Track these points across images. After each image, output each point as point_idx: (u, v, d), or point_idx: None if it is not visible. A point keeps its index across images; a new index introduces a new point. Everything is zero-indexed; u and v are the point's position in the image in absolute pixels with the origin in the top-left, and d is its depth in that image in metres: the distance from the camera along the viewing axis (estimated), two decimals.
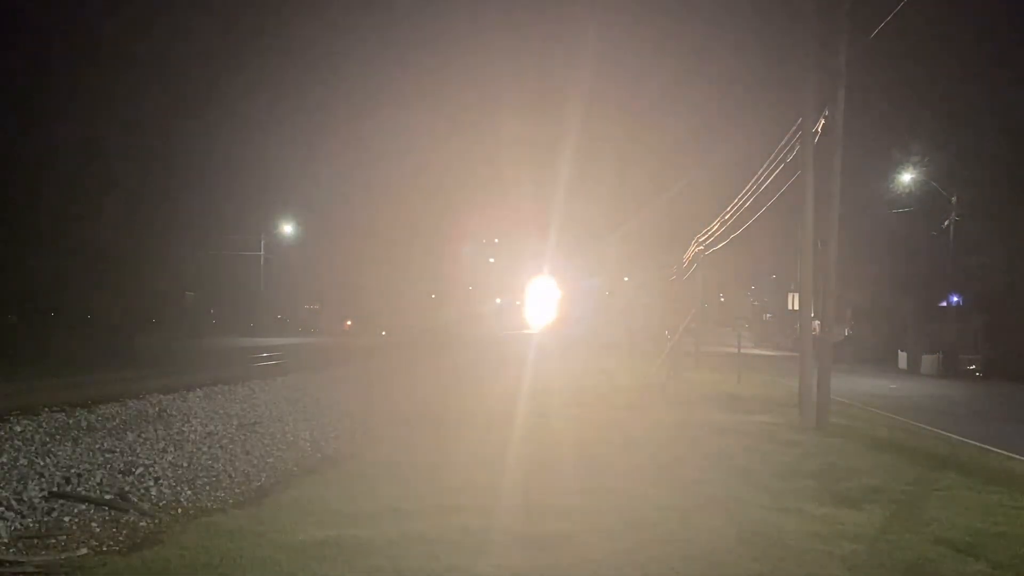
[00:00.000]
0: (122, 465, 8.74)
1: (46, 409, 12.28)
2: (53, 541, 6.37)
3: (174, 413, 12.62)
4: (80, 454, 9.15)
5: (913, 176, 35.08)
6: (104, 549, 6.25)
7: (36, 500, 7.26)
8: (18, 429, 10.53)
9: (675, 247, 36.63)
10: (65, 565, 5.80)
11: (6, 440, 9.73)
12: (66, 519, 6.90)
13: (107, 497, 7.52)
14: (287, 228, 63.40)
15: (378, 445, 11.27)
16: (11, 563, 5.78)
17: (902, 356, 34.45)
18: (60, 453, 9.12)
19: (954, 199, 33.47)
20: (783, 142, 16.59)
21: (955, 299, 36.52)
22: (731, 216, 24.16)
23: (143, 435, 10.52)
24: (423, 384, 19.90)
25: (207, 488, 8.32)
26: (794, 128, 15.39)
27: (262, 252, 60.85)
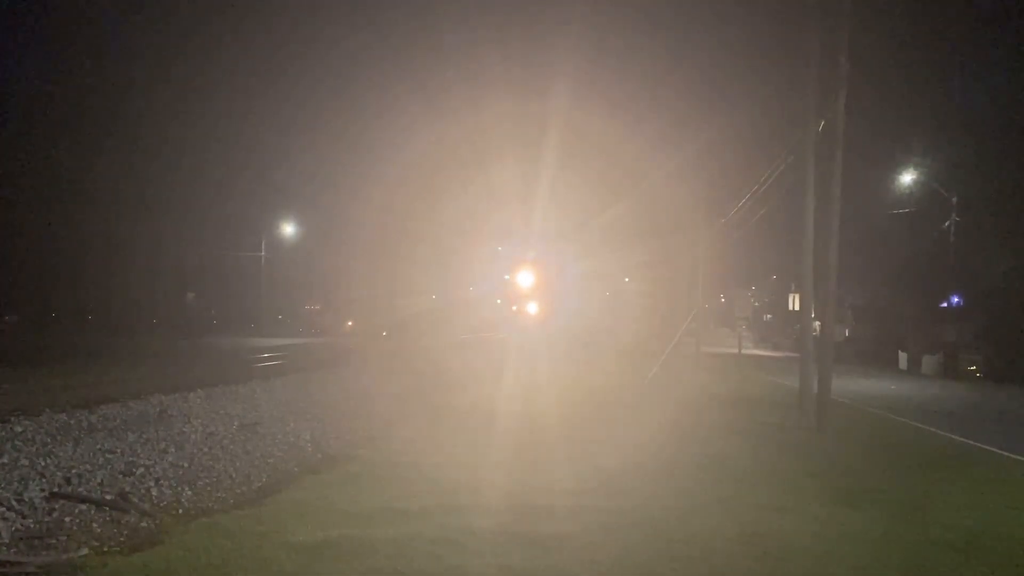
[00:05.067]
0: (123, 465, 8.74)
1: (47, 409, 12.28)
2: (54, 541, 6.37)
3: (175, 413, 12.62)
4: (81, 454, 9.15)
5: (914, 177, 35.10)
6: (105, 550, 6.26)
7: (37, 500, 7.27)
8: (19, 430, 10.54)
9: (673, 236, 36.38)
10: (66, 565, 5.80)
11: (7, 441, 9.73)
12: (67, 519, 6.90)
13: (108, 497, 7.52)
14: (288, 228, 63.39)
15: (378, 445, 11.28)
16: (12, 563, 5.79)
17: (902, 356, 34.46)
18: (61, 453, 9.12)
19: (955, 199, 33.48)
20: (784, 143, 16.61)
21: (956, 299, 36.51)
22: (728, 220, 24.24)
23: (144, 435, 10.52)
24: (421, 384, 19.89)
25: (208, 488, 8.33)
26: (795, 130, 15.41)
27: (263, 252, 60.85)
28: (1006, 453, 12.09)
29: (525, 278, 33.28)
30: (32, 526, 6.69)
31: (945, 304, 36.65)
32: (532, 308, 35.32)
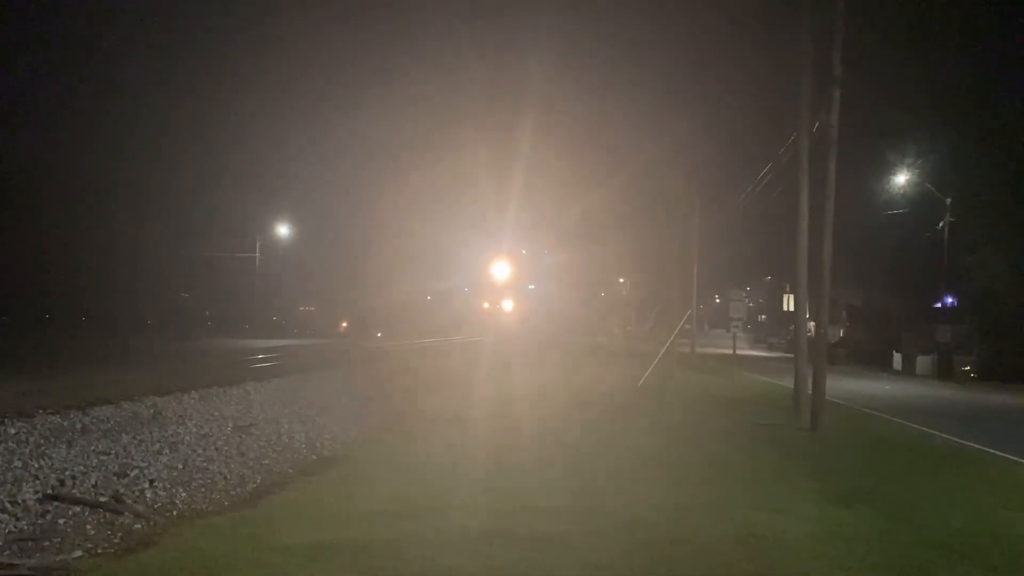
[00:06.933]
0: (117, 467, 8.71)
1: (40, 411, 12.23)
2: (48, 544, 6.34)
3: (169, 415, 12.58)
4: (75, 456, 9.12)
5: (908, 177, 35.17)
6: (99, 552, 6.23)
7: (31, 502, 7.23)
8: (12, 431, 10.48)
9: (669, 238, 36.25)
10: (60, 568, 5.78)
11: (0, 442, 9.69)
12: (61, 521, 6.87)
13: (102, 499, 7.49)
14: (282, 230, 63.34)
15: (373, 446, 11.27)
16: (5, 566, 5.76)
17: (897, 357, 34.55)
18: (55, 455, 9.09)
19: (949, 200, 33.56)
20: (779, 143, 16.66)
21: (950, 300, 36.60)
22: (722, 224, 24.37)
23: (138, 437, 10.49)
24: (415, 385, 19.88)
25: (202, 490, 8.30)
26: (789, 129, 15.44)
27: (257, 254, 60.75)
28: (1000, 453, 12.13)
29: (514, 279, 33.31)
30: (26, 528, 6.66)
31: (939, 305, 36.75)
32: (524, 309, 35.33)
